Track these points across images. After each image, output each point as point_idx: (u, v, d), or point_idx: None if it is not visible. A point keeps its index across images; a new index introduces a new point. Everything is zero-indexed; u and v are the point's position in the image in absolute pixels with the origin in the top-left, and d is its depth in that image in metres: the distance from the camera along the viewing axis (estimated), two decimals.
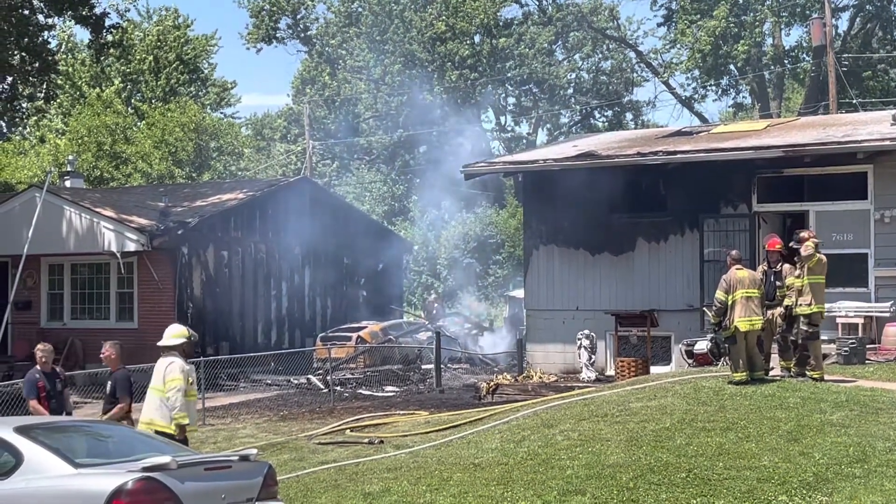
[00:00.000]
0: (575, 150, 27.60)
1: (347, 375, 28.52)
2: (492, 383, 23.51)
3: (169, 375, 13.67)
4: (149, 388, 13.82)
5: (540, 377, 24.95)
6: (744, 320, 17.44)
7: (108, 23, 35.40)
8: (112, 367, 15.35)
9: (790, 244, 18.41)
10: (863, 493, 11.53)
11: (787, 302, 17.90)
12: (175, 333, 14.22)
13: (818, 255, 17.76)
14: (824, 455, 12.99)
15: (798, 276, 17.69)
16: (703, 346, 22.43)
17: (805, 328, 17.62)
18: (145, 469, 9.62)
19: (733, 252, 18.71)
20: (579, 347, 25.34)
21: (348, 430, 19.16)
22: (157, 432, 13.14)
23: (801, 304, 17.63)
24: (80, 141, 56.05)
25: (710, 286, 22.82)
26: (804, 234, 18.11)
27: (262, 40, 66.89)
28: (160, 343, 14.17)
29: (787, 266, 18.32)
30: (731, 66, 57.20)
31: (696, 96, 61.47)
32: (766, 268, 18.54)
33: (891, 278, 22.81)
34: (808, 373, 17.69)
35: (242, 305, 32.83)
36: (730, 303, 17.56)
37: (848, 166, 23.63)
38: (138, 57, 63.54)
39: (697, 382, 18.08)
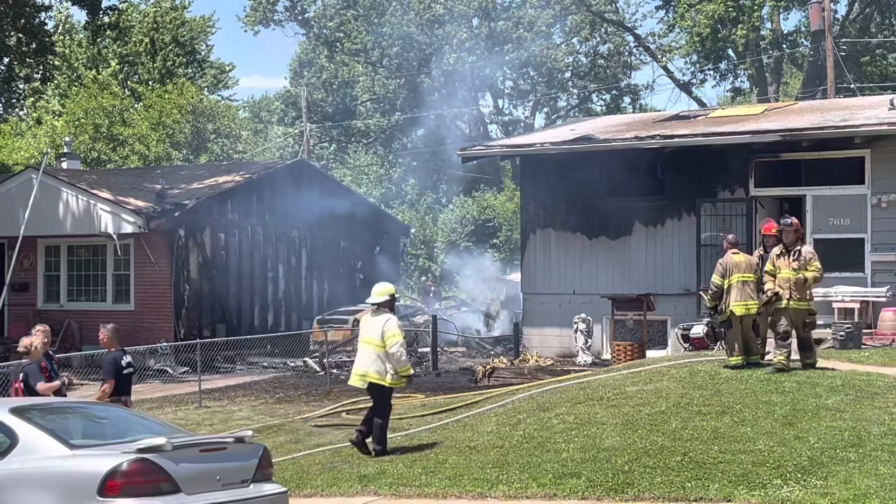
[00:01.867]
0: (572, 134, 27.58)
1: (344, 358, 28.51)
2: (488, 367, 23.52)
3: (389, 332, 14.30)
4: (360, 342, 14.60)
5: (536, 361, 24.97)
6: (739, 304, 17.43)
7: (104, 4, 35.34)
8: (109, 350, 15.30)
9: (777, 228, 18.15)
10: (857, 477, 11.54)
11: (769, 286, 17.67)
12: (382, 291, 14.78)
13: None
14: (819, 439, 13.00)
15: (796, 270, 17.10)
16: (699, 330, 22.45)
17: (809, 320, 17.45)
18: (140, 450, 9.60)
19: (730, 236, 18.67)
20: (576, 331, 25.37)
21: (344, 413, 19.17)
22: (369, 384, 14.32)
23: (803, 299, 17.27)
24: (76, 123, 55.95)
25: (706, 270, 22.83)
26: (793, 219, 17.74)
27: (260, 23, 66.80)
28: (370, 300, 14.84)
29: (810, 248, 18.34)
30: (730, 51, 57.11)
31: (694, 80, 61.41)
32: (762, 252, 18.53)
33: (887, 263, 22.83)
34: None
35: (239, 288, 32.82)
36: (725, 287, 17.55)
37: (845, 151, 23.62)
38: (135, 39, 63.36)
39: (693, 366, 18.10)
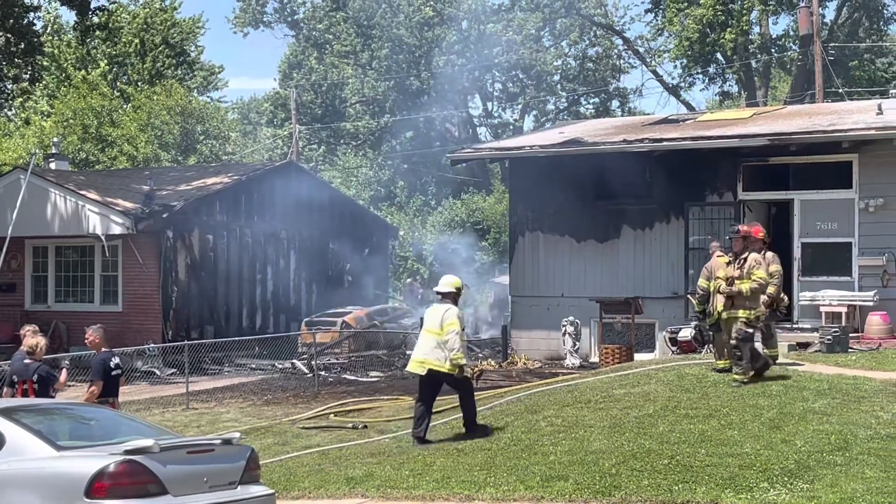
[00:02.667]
0: (561, 137, 27.61)
1: (332, 360, 28.53)
2: (476, 369, 23.45)
3: (448, 320, 14.98)
4: (423, 330, 15.37)
5: (524, 363, 24.99)
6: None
7: (93, 4, 35.24)
8: (97, 351, 15.28)
9: (728, 236, 17.81)
10: (844, 480, 11.57)
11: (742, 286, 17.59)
12: (449, 282, 15.48)
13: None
14: (806, 443, 13.04)
15: (738, 278, 16.73)
16: (686, 333, 22.49)
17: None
18: (127, 452, 9.60)
19: (715, 243, 18.74)
20: (564, 334, 25.40)
21: (332, 415, 19.16)
22: (429, 371, 15.02)
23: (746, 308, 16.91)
24: (65, 123, 55.79)
25: (694, 274, 22.87)
26: (740, 227, 17.46)
27: (250, 24, 66.69)
28: (437, 289, 15.61)
29: (769, 254, 18.35)
30: (718, 55, 57.22)
31: (682, 84, 61.50)
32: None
33: (874, 267, 22.90)
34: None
35: (227, 289, 32.78)
36: (712, 290, 17.57)
37: (833, 155, 23.69)
38: (125, 39, 63.23)
39: (681, 370, 18.14)
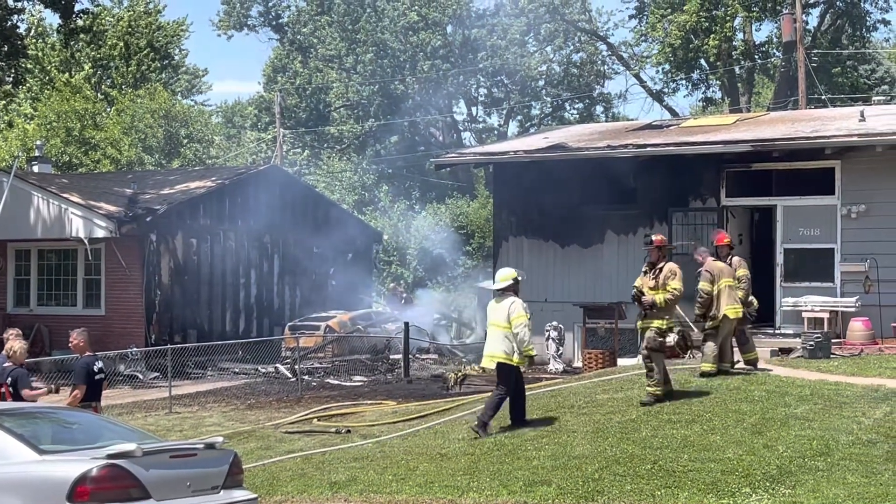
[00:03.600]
0: (546, 142, 27.67)
1: (315, 365, 28.48)
2: (459, 374, 23.52)
3: (515, 313, 15.29)
4: (488, 326, 15.65)
5: None
6: (731, 308, 17.41)
7: (77, 7, 35.17)
8: (80, 355, 15.26)
9: (644, 247, 17.24)
10: (825, 486, 11.62)
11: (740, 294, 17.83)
12: (504, 276, 15.74)
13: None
14: (788, 448, 13.08)
15: (652, 288, 16.33)
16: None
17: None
18: (110, 456, 9.59)
19: (702, 248, 18.77)
20: (547, 339, 25.42)
21: (315, 420, 19.15)
22: (498, 364, 15.34)
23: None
24: (48, 126, 55.63)
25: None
26: (655, 237, 17.00)
27: (234, 27, 66.58)
28: (493, 287, 15.98)
29: (736, 259, 18.42)
30: (702, 61, 57.38)
31: (666, 90, 61.63)
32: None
33: (856, 273, 22.99)
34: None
35: (211, 293, 32.71)
36: (715, 292, 17.48)
37: (816, 161, 23.78)
38: (109, 42, 63.09)
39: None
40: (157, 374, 27.34)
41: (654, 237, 16.95)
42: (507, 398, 15.62)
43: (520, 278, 15.85)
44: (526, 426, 15.43)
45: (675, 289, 16.22)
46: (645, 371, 16.50)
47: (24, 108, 62.20)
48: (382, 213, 55.58)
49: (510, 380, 15.56)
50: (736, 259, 18.43)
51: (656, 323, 16.34)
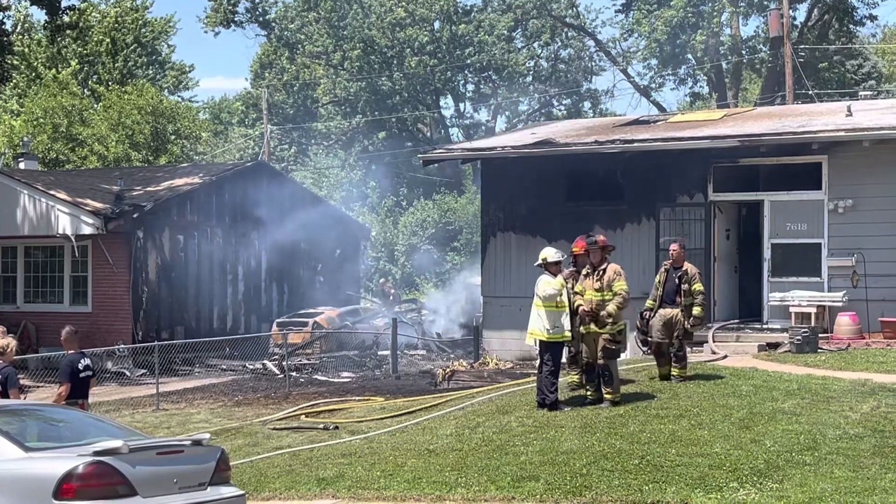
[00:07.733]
0: (533, 138, 27.64)
1: (303, 361, 28.45)
2: (448, 370, 23.52)
3: (546, 291, 15.94)
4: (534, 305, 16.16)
5: (496, 364, 24.98)
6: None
7: (64, 4, 35.01)
8: (69, 351, 15.22)
9: (586, 247, 16.74)
10: (813, 480, 11.64)
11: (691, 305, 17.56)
12: (541, 256, 16.45)
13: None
14: (775, 442, 13.11)
15: (598, 290, 16.15)
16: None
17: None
18: (96, 453, 9.55)
19: (675, 245, 18.53)
20: None
21: (303, 416, 19.12)
22: (540, 342, 16.04)
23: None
24: (35, 122, 55.41)
25: None
26: (598, 237, 16.87)
27: (221, 24, 66.43)
28: (536, 264, 16.73)
29: (690, 266, 18.13)
30: (689, 56, 57.44)
31: (653, 85, 61.70)
32: (668, 266, 18.38)
33: (843, 268, 23.00)
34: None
35: (198, 290, 32.66)
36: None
37: (803, 157, 23.79)
38: (95, 38, 62.90)
39: (651, 370, 18.21)
40: (144, 371, 27.29)
41: (597, 238, 16.72)
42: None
43: (553, 258, 16.23)
44: (554, 410, 15.99)
45: (622, 289, 16.07)
46: (603, 380, 16.23)
47: (11, 104, 62.01)
48: (370, 209, 55.59)
49: (543, 354, 16.15)
50: (690, 266, 18.05)
51: (607, 329, 16.08)
